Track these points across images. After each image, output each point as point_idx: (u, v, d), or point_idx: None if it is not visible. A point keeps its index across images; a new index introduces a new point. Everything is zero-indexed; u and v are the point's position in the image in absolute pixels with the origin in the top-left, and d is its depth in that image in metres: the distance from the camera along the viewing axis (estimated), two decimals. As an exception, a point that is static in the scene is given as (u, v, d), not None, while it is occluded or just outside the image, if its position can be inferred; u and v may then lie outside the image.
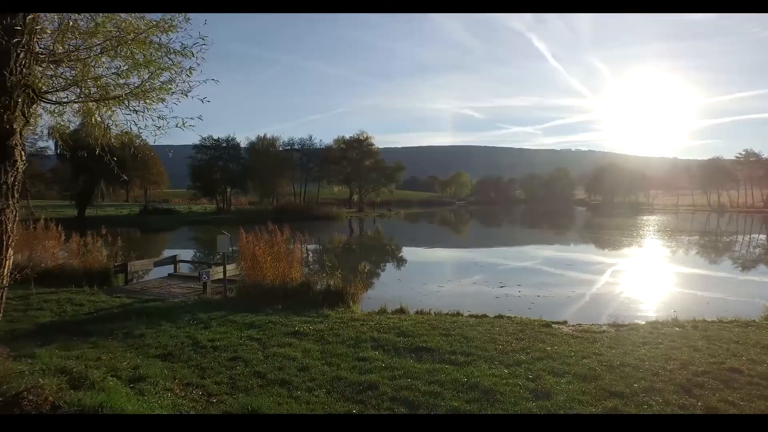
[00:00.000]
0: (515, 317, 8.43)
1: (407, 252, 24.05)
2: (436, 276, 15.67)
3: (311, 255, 19.01)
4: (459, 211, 73.14)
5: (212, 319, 7.46)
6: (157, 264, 11.72)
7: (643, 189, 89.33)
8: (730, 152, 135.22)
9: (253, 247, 9.38)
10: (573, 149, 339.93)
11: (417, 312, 8.87)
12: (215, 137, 52.20)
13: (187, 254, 19.84)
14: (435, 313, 8.75)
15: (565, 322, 8.17)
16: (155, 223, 40.35)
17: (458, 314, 8.76)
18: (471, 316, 8.58)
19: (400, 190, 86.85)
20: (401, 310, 8.89)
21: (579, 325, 7.97)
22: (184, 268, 12.46)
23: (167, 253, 17.74)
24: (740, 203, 73.30)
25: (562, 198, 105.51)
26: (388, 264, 19.69)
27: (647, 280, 15.42)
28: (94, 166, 39.81)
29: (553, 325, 7.67)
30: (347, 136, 66.51)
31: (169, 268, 11.84)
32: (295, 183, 61.76)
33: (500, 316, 8.46)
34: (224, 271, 9.25)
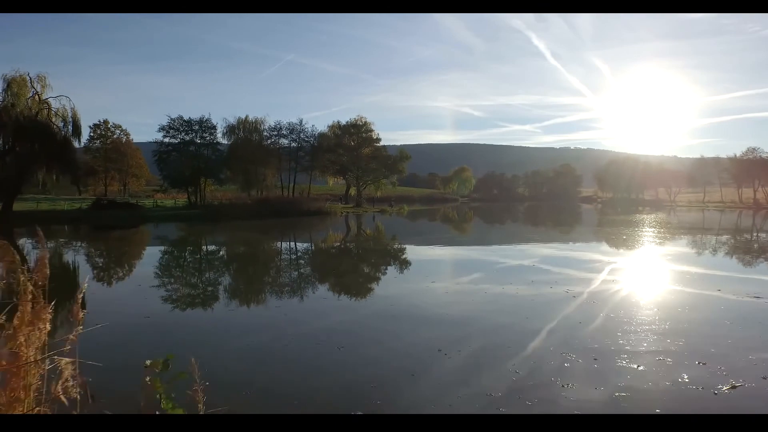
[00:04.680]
0: None
1: (439, 260, 16.53)
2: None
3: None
4: (462, 208, 65.79)
5: None
6: None
7: (663, 184, 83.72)
8: (730, 151, 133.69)
9: None
10: (572, 147, 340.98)
11: None
12: (185, 118, 43.40)
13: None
14: None
15: None
16: (107, 220, 33.78)
17: None
18: None
19: (401, 187, 79.27)
20: None
21: None
22: None
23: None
24: (778, 200, 66.12)
25: (567, 195, 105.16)
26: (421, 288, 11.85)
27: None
28: (22, 148, 31.10)
29: None
30: (343, 122, 58.34)
31: None
32: (282, 173, 52.87)
33: None
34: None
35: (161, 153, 44.54)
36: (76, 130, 34.88)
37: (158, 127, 44.39)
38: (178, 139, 44.43)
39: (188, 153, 44.43)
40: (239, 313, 8.56)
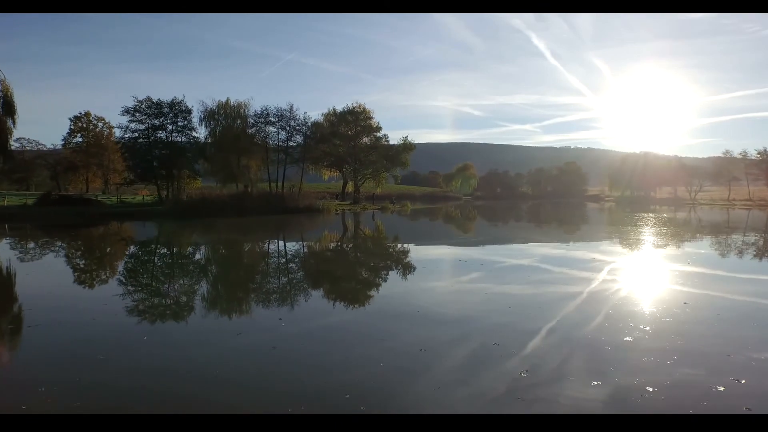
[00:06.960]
0: None
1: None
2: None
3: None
4: (466, 207, 66.73)
5: None
6: None
7: (683, 182, 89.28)
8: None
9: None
10: (573, 147, 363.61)
11: None
12: (155, 99, 43.12)
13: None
14: None
15: None
16: (55, 218, 33.58)
17: None
18: None
19: (401, 185, 79.92)
20: None
21: None
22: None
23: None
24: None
25: (573, 193, 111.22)
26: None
27: None
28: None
29: None
30: (339, 108, 58.18)
31: None
32: (270, 166, 52.15)
33: None
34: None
35: (126, 140, 44.01)
36: (9, 108, 32.81)
37: (121, 110, 43.59)
38: (146, 125, 44.31)
39: (158, 141, 43.93)
40: (234, 314, 9.18)
